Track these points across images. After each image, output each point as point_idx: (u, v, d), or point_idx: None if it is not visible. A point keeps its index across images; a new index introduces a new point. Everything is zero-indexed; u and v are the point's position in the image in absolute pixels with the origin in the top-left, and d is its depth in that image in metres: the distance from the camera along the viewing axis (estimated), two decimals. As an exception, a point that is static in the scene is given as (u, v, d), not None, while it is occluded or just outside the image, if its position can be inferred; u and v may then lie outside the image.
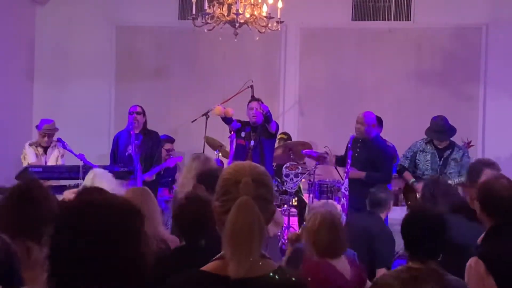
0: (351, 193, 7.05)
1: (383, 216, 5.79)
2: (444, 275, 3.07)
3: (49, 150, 8.10)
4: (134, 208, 1.83)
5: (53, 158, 8.06)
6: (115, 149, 8.10)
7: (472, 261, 3.22)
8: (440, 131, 7.36)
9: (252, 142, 7.77)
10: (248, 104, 7.96)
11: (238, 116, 8.09)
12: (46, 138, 8.06)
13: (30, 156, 8.02)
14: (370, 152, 7.44)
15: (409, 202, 7.50)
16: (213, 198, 2.09)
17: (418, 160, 7.48)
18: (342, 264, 3.79)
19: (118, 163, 7.82)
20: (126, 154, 7.87)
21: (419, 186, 7.34)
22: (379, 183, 6.41)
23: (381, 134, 8.46)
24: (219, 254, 2.00)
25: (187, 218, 3.39)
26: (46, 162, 7.96)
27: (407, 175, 7.52)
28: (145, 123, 7.97)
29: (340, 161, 7.81)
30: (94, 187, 1.91)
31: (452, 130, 7.43)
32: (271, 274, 1.99)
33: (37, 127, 8.20)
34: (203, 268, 2.01)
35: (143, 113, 7.94)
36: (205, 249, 3.22)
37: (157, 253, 3.51)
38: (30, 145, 8.12)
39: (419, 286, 3.00)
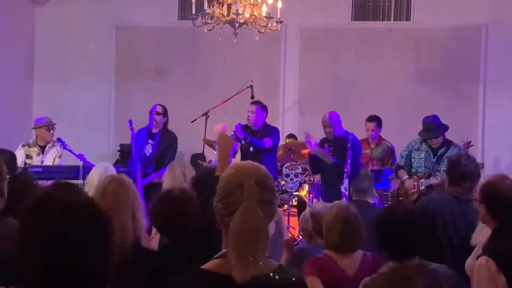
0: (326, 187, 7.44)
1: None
2: (428, 266, 3.10)
3: (46, 149, 8.02)
4: (101, 214, 1.78)
5: (50, 158, 7.98)
6: (135, 146, 8.16)
7: (482, 260, 3.22)
8: (429, 129, 7.42)
9: (251, 148, 7.77)
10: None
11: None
12: (51, 131, 7.97)
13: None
14: (344, 149, 7.50)
15: (400, 198, 7.56)
16: (214, 199, 2.08)
17: (413, 158, 7.57)
18: (350, 260, 3.74)
19: (135, 161, 7.86)
20: (142, 153, 7.92)
21: (409, 183, 7.42)
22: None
23: (381, 134, 8.49)
24: (220, 253, 2.00)
25: (163, 216, 3.38)
26: (42, 162, 7.90)
27: (402, 173, 7.62)
28: (165, 123, 8.04)
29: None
30: (67, 183, 1.83)
31: (442, 127, 7.47)
32: (271, 274, 1.99)
33: (35, 125, 8.12)
34: (204, 266, 2.01)
35: (164, 113, 8.01)
36: (189, 244, 3.21)
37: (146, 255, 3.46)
38: (23, 145, 8.00)
39: (410, 284, 3.03)
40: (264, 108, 7.95)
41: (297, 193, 8.45)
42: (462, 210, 4.61)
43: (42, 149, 8.01)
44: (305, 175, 8.29)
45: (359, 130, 8.41)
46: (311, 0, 9.91)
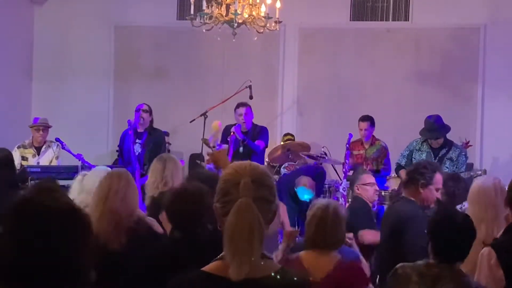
0: None
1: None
2: (464, 277, 3.06)
3: (42, 150, 8.00)
4: (80, 216, 1.80)
5: (46, 159, 7.98)
6: (121, 148, 8.20)
7: (485, 251, 3.26)
8: (431, 129, 7.40)
9: (241, 148, 7.77)
10: (235, 110, 7.97)
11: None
12: (41, 132, 7.94)
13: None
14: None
15: None
16: (214, 200, 2.09)
17: (414, 158, 7.54)
18: (321, 261, 3.73)
19: (125, 162, 7.91)
20: (132, 153, 7.95)
21: None
22: None
23: (380, 133, 8.49)
24: (220, 255, 2.01)
25: (180, 210, 3.42)
26: (38, 163, 7.88)
27: (403, 173, 7.56)
28: (151, 121, 8.11)
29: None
30: (47, 184, 1.87)
31: (444, 129, 7.45)
32: (273, 274, 1.99)
33: (31, 125, 8.12)
34: (204, 268, 2.02)
35: (150, 111, 8.08)
36: (201, 239, 3.26)
37: (157, 245, 3.60)
38: (18, 147, 7.99)
39: (439, 285, 3.00)
40: (251, 109, 7.99)
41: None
42: None
43: (38, 150, 8.00)
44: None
45: (358, 130, 8.42)
46: (309, 0, 9.91)
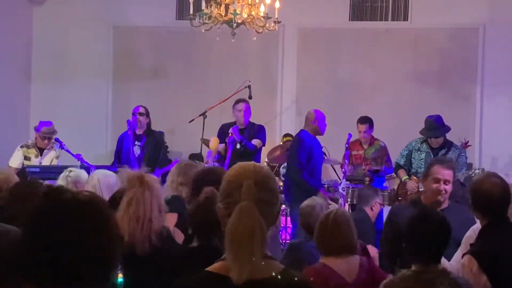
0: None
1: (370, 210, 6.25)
2: (450, 274, 3.03)
3: (45, 151, 8.06)
4: (99, 203, 1.81)
5: (48, 159, 8.03)
6: (119, 149, 8.20)
7: (465, 259, 3.24)
8: (431, 128, 7.40)
9: (237, 146, 7.79)
10: (234, 106, 7.97)
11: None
12: (46, 141, 8.02)
13: (13, 159, 7.94)
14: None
15: (399, 198, 7.54)
16: (218, 200, 2.10)
17: (413, 158, 7.54)
18: (347, 265, 3.70)
19: (122, 164, 7.92)
20: (130, 154, 7.97)
21: (411, 184, 7.39)
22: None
23: (376, 134, 8.49)
24: (224, 255, 2.01)
25: (202, 218, 3.44)
26: (41, 163, 7.93)
27: (401, 172, 7.58)
28: (148, 123, 8.15)
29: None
30: (61, 187, 1.89)
31: (444, 128, 7.45)
32: (277, 276, 2.00)
33: (35, 128, 8.15)
34: (209, 268, 2.03)
35: (146, 114, 8.11)
36: (219, 248, 3.28)
37: (175, 252, 3.61)
38: (22, 147, 8.03)
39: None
40: (249, 105, 8.00)
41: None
42: None
43: (41, 151, 8.04)
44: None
45: (356, 130, 8.43)
46: (308, 0, 9.91)
